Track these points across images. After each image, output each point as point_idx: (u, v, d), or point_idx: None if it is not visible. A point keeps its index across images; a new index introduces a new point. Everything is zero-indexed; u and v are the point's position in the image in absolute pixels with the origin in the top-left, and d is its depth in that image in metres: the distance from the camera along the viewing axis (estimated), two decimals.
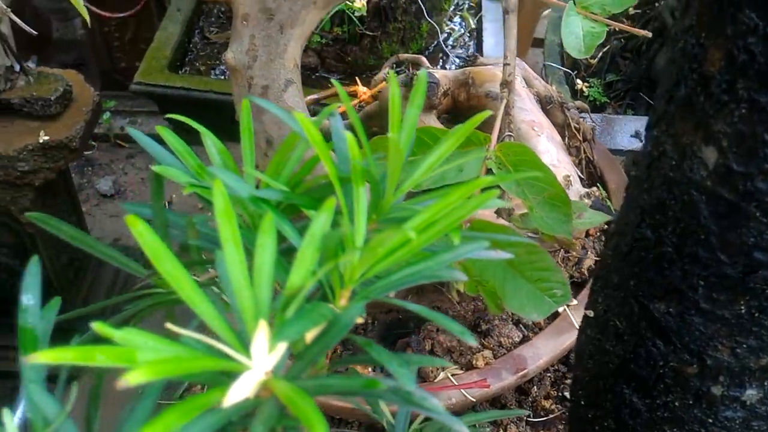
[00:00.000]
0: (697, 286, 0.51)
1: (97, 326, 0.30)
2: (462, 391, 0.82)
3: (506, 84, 0.70)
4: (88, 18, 0.74)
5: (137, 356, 0.30)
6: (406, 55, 1.18)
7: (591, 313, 0.62)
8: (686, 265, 0.51)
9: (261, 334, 0.32)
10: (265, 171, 0.45)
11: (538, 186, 0.64)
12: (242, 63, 0.85)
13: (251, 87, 0.85)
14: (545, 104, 1.05)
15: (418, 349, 0.92)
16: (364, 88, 1.12)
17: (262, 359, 0.32)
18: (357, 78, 1.13)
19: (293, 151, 0.46)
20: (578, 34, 0.67)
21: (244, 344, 0.33)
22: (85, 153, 2.66)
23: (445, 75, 0.99)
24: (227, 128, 1.91)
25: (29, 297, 0.34)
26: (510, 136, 0.69)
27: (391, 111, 0.42)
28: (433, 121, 0.97)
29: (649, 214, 0.53)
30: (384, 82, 1.13)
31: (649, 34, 0.69)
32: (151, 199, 0.43)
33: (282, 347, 0.33)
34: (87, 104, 2.02)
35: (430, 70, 0.98)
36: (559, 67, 1.81)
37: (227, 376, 0.33)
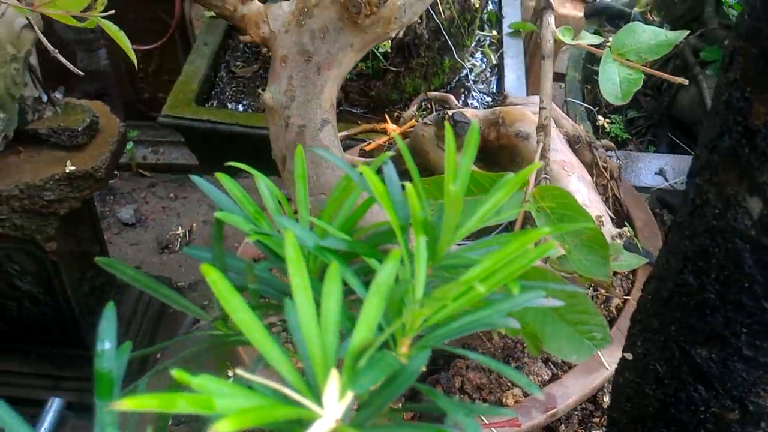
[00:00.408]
0: (740, 333, 0.52)
1: (177, 374, 0.31)
2: (493, 430, 0.83)
3: (542, 127, 0.72)
4: (134, 59, 0.76)
5: (215, 403, 0.31)
6: (434, 93, 1.20)
7: (629, 356, 0.62)
8: (729, 312, 0.52)
9: (332, 383, 0.33)
10: (320, 217, 0.46)
11: (577, 229, 0.65)
12: (280, 103, 0.86)
13: (288, 126, 0.87)
14: (573, 143, 1.06)
15: (448, 386, 0.92)
16: (394, 126, 1.13)
17: (332, 407, 0.33)
18: (386, 115, 1.14)
19: (347, 198, 0.47)
20: (615, 80, 0.68)
21: (314, 392, 0.34)
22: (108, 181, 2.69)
23: (475, 114, 1.01)
24: (253, 159, 1.93)
25: (105, 342, 0.35)
26: (546, 178, 0.70)
27: (448, 161, 0.43)
28: None
29: (691, 260, 0.54)
30: (413, 120, 1.15)
31: (686, 82, 0.70)
32: (213, 243, 0.44)
33: (350, 395, 0.34)
34: (113, 135, 2.05)
35: (461, 110, 0.99)
36: (580, 103, 1.83)
37: (298, 424, 0.33)
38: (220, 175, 0.46)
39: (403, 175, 1.07)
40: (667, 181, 1.33)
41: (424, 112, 1.18)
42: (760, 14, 0.45)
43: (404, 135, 1.13)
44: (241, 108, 1.84)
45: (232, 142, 1.78)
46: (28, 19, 0.68)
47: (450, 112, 0.98)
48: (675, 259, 0.56)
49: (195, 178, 0.47)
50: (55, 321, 2.07)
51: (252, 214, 0.45)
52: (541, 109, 0.72)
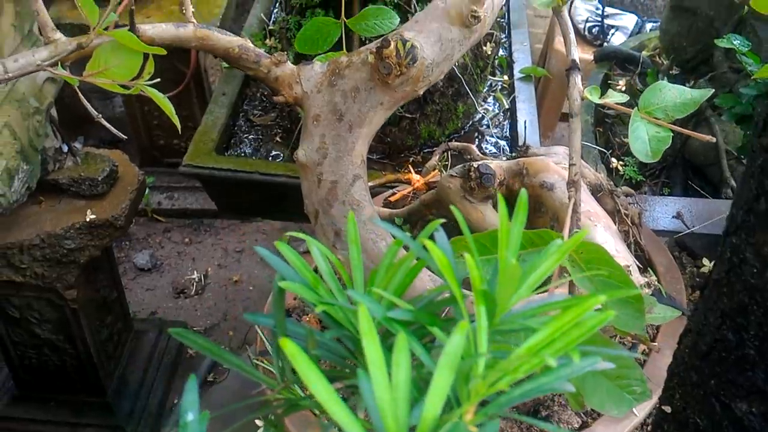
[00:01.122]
0: None
1: None
2: None
3: (573, 183, 0.74)
4: (179, 124, 0.78)
5: None
6: (455, 143, 1.23)
7: (668, 409, 0.64)
8: None
9: None
10: (376, 284, 0.48)
11: (610, 283, 0.67)
12: (313, 160, 0.89)
13: (321, 182, 0.89)
14: (596, 191, 1.08)
15: None
16: (418, 176, 1.16)
17: None
18: (410, 165, 1.17)
19: (401, 266, 0.49)
20: (645, 139, 0.70)
21: None
22: None
23: (499, 165, 1.03)
24: (271, 205, 1.95)
25: (189, 414, 0.37)
26: (578, 231, 0.72)
27: (502, 233, 0.45)
28: (489, 211, 1.00)
29: (730, 317, 0.56)
30: (436, 170, 1.17)
31: (713, 139, 0.72)
32: (273, 310, 0.46)
33: None
34: (132, 183, 2.08)
35: (486, 161, 1.02)
36: (594, 146, 1.86)
37: None
38: (279, 244, 0.48)
39: (427, 224, 1.08)
40: (685, 224, 1.35)
41: (446, 162, 1.20)
42: None
43: (428, 185, 1.15)
44: (259, 155, 1.87)
45: (251, 190, 1.81)
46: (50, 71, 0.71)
47: (475, 164, 1.01)
48: (713, 314, 0.58)
49: (259, 249, 0.49)
50: (74, 368, 2.08)
51: (310, 281, 0.47)
52: (571, 165, 0.74)
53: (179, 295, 2.53)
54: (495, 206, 1.03)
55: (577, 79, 0.76)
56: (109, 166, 2.02)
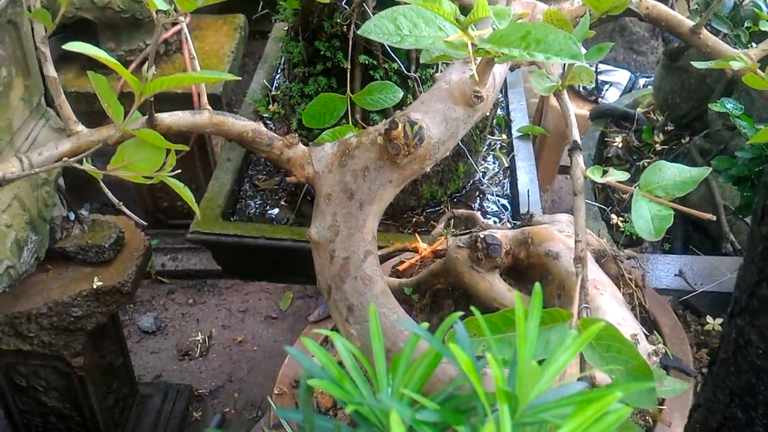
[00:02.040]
0: None
1: None
2: None
3: (579, 260, 0.76)
4: (197, 210, 0.81)
5: None
6: (460, 210, 1.26)
7: None
8: None
9: None
10: (398, 379, 0.50)
11: (620, 359, 0.69)
12: (325, 238, 0.91)
13: (333, 259, 0.91)
14: (599, 257, 1.11)
15: None
16: (425, 245, 1.18)
17: None
18: (417, 235, 1.19)
19: (422, 361, 0.51)
20: (647, 217, 0.73)
21: None
22: None
23: (505, 235, 1.06)
24: (276, 269, 1.97)
25: None
26: (587, 308, 0.75)
27: (519, 329, 0.47)
28: (497, 280, 1.03)
29: (738, 396, 0.58)
30: (443, 238, 1.20)
31: (713, 218, 0.75)
32: (301, 406, 0.48)
33: None
34: (138, 249, 2.10)
35: (492, 232, 1.05)
36: (593, 203, 1.89)
37: None
38: (305, 340, 0.50)
39: (438, 294, 1.10)
40: (688, 282, 1.37)
41: (454, 229, 1.23)
42: None
43: (435, 254, 1.18)
44: (264, 219, 1.90)
45: (257, 254, 1.83)
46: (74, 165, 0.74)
47: (482, 234, 1.03)
48: (722, 393, 0.60)
49: (288, 349, 0.51)
50: None
51: (336, 377, 0.49)
52: (577, 242, 0.77)
53: (184, 357, 2.53)
54: (502, 275, 1.05)
55: (579, 159, 0.79)
56: (116, 232, 2.05)
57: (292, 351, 0.50)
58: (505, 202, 2.03)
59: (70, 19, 2.38)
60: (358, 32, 0.72)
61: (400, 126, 0.89)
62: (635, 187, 0.76)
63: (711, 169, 0.76)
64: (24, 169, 0.75)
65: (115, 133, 0.72)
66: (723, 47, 0.97)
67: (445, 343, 0.52)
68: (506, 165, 2.14)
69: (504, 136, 2.24)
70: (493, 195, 2.06)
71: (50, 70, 0.77)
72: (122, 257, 2.14)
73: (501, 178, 2.12)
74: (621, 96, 2.64)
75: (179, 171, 0.76)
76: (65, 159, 0.74)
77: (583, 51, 0.70)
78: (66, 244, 2.04)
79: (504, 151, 2.19)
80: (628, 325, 0.93)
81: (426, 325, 0.55)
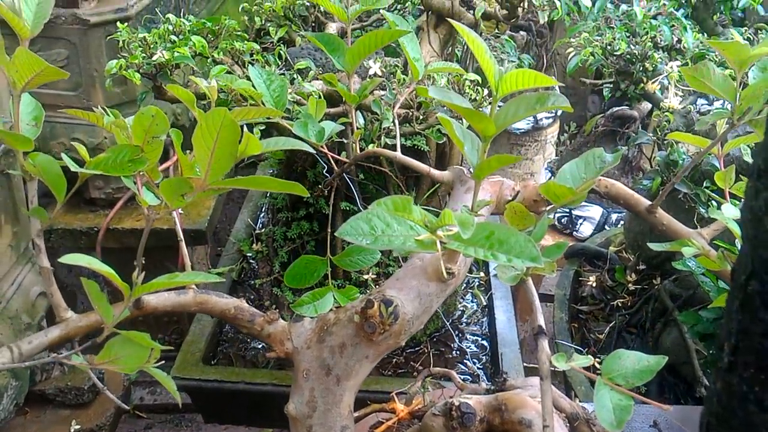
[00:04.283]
0: None
1: None
2: None
3: None
4: (180, 401, 0.84)
5: None
6: (437, 369, 1.29)
7: None
8: None
9: None
10: None
11: None
12: (303, 413, 0.94)
13: None
14: (572, 421, 1.13)
15: None
16: (402, 405, 1.21)
17: None
18: (394, 396, 1.22)
19: None
20: (609, 408, 0.77)
21: None
22: None
23: (479, 401, 1.09)
24: (254, 412, 1.96)
25: None
26: None
27: None
28: None
29: None
30: (420, 398, 1.22)
31: (670, 408, 0.79)
32: None
33: None
34: (117, 389, 2.09)
35: (466, 398, 1.07)
36: (569, 345, 1.92)
37: None
38: None
39: None
40: None
41: (432, 380, 1.26)
42: (726, 405, 0.54)
43: (412, 414, 1.20)
44: (246, 361, 1.91)
45: (236, 398, 1.84)
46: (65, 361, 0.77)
47: (456, 402, 1.06)
48: None
49: None
50: None
51: None
52: (545, 427, 0.80)
53: None
54: None
55: (544, 344, 0.84)
56: (95, 373, 2.04)
57: None
58: (483, 342, 2.06)
59: (72, 186, 2.46)
60: (336, 234, 0.77)
61: (376, 305, 0.93)
62: (598, 377, 0.80)
63: (666, 359, 0.81)
64: (14, 359, 0.78)
65: (104, 332, 0.76)
66: (678, 226, 1.04)
67: None
68: (484, 303, 2.18)
69: (482, 274, 2.29)
70: (471, 335, 2.09)
71: (44, 261, 0.82)
72: (101, 398, 2.13)
73: (479, 316, 2.16)
74: (594, 231, 2.73)
75: (163, 362, 0.79)
76: (55, 355, 0.78)
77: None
78: (46, 387, 2.03)
79: (482, 288, 2.24)
80: None
81: None
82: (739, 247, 0.52)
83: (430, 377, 1.28)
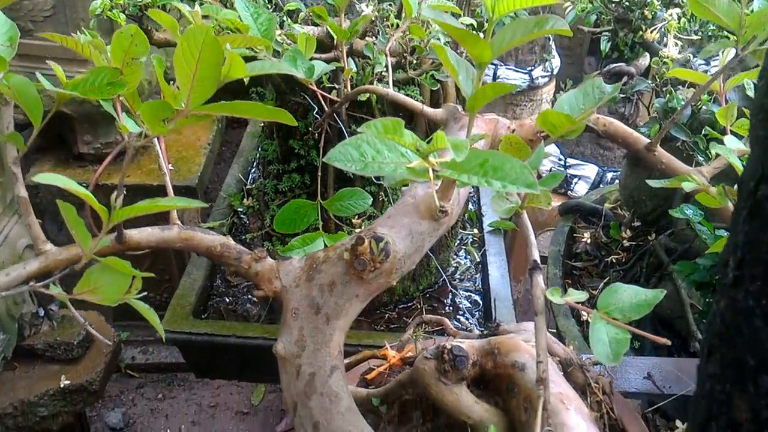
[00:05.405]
0: None
1: None
2: None
3: (541, 381, 0.77)
4: (163, 336, 0.81)
5: None
6: (429, 316, 1.27)
7: None
8: None
9: None
10: None
11: None
12: (291, 353, 0.92)
13: (299, 374, 0.91)
14: (566, 367, 1.12)
15: None
16: (393, 352, 1.19)
17: None
18: (386, 342, 1.20)
19: None
20: (605, 341, 0.75)
21: None
22: None
23: (471, 345, 1.07)
24: (244, 367, 1.95)
25: None
26: (550, 431, 0.75)
27: None
28: (464, 393, 1.03)
29: None
30: (412, 346, 1.20)
31: (668, 342, 0.77)
32: None
33: None
34: (107, 346, 2.07)
35: (458, 342, 1.05)
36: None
37: None
38: None
39: (406, 405, 1.09)
40: (657, 386, 1.38)
41: (424, 333, 1.24)
42: (730, 323, 0.52)
43: (404, 361, 1.18)
44: (236, 315, 1.89)
45: (227, 352, 1.82)
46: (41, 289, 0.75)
47: (448, 345, 1.04)
48: None
49: None
50: None
51: None
52: (538, 363, 0.77)
53: None
54: (469, 387, 1.05)
55: (539, 278, 0.81)
56: (85, 328, 2.02)
57: None
58: (476, 297, 2.05)
59: (48, 112, 2.42)
60: (323, 160, 0.74)
61: (366, 242, 0.90)
62: (593, 309, 0.78)
63: (665, 292, 0.79)
64: None
65: (83, 260, 0.73)
66: (677, 164, 1.01)
67: None
68: (478, 260, 2.16)
69: (476, 231, 2.27)
70: (465, 290, 2.07)
71: (21, 191, 0.79)
72: (91, 354, 2.11)
73: (473, 272, 2.14)
74: (589, 190, 2.71)
75: (145, 293, 0.76)
76: (32, 284, 0.75)
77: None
78: (34, 342, 2.01)
79: (476, 245, 2.22)
80: None
81: None
82: (749, 151, 0.49)
83: (422, 325, 1.26)
